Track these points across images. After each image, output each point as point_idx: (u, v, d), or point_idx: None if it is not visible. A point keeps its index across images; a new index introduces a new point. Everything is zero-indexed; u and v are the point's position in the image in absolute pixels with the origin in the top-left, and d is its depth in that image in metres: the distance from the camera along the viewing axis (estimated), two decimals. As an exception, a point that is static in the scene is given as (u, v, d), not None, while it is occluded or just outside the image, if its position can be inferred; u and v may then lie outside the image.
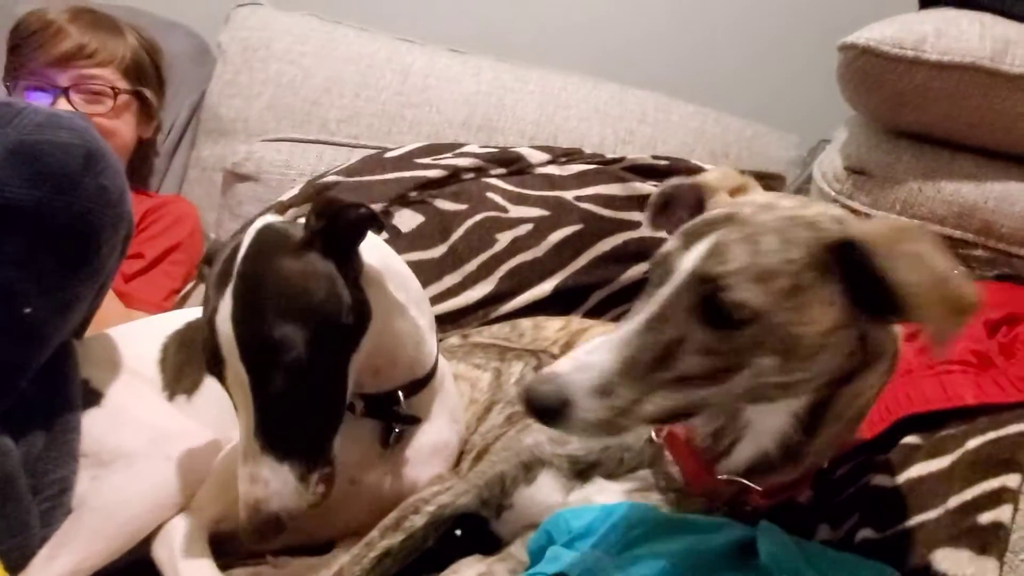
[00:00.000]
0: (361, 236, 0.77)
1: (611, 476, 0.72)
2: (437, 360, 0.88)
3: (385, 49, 1.59)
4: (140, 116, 1.44)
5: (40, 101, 1.32)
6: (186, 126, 1.64)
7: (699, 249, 0.56)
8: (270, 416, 0.69)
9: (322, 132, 1.51)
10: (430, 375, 0.87)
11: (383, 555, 0.74)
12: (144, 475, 0.84)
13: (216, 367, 0.72)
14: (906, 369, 0.77)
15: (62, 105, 1.31)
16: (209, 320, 0.71)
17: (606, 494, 0.70)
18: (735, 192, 0.65)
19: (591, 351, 0.56)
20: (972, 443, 0.66)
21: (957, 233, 1.02)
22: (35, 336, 0.82)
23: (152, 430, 0.88)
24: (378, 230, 0.77)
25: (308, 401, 0.71)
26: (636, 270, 1.37)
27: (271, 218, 0.78)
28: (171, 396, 0.97)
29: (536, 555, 0.70)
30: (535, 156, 1.39)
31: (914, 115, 1.03)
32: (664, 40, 1.85)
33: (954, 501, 0.62)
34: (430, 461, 0.89)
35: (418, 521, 0.76)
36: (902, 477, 0.68)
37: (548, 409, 0.54)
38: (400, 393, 0.84)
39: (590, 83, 1.60)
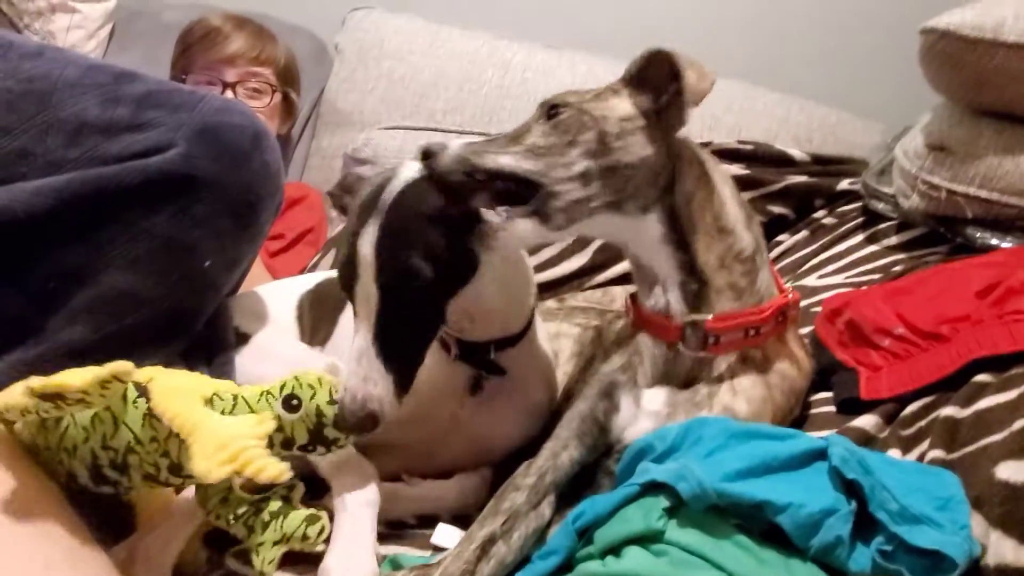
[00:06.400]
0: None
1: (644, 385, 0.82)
2: (532, 322, 0.95)
3: (486, 46, 1.72)
4: (283, 114, 1.63)
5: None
6: (307, 119, 1.81)
7: None
8: (388, 331, 0.77)
9: (429, 122, 1.65)
10: (522, 333, 0.93)
11: (485, 542, 0.72)
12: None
13: (349, 281, 0.80)
14: (977, 319, 0.84)
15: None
16: (352, 242, 0.79)
17: (649, 397, 0.81)
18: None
19: None
20: (1037, 378, 0.73)
21: (1036, 205, 1.05)
22: (211, 287, 0.96)
23: (294, 362, 1.02)
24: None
25: (417, 326, 0.80)
26: (721, 246, 1.45)
27: (418, 167, 0.83)
28: (310, 344, 1.13)
29: (623, 477, 0.75)
30: (627, 141, 1.49)
31: (995, 94, 1.07)
32: (751, 31, 1.90)
33: (1018, 424, 0.68)
34: (520, 417, 0.97)
35: (519, 498, 0.75)
36: (971, 408, 0.74)
37: None
38: (492, 346, 0.91)
39: (677, 74, 1.68)
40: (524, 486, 0.77)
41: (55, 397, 0.66)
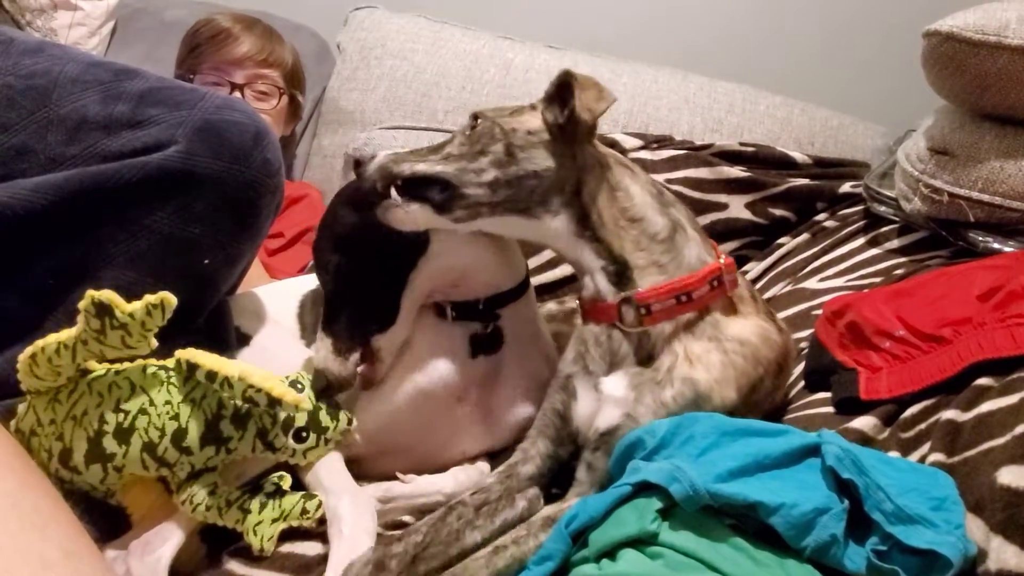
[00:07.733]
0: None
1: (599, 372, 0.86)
2: (526, 287, 0.98)
3: (488, 46, 1.71)
4: (288, 116, 1.63)
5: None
6: (309, 118, 1.81)
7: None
8: (330, 308, 0.92)
9: (431, 122, 1.64)
10: (514, 293, 0.96)
11: (448, 508, 0.82)
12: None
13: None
14: (979, 322, 0.84)
15: None
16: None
17: (610, 384, 0.84)
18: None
19: None
20: (1039, 382, 0.72)
21: (1038, 209, 1.05)
22: (210, 283, 0.96)
23: (295, 362, 1.02)
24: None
25: (352, 301, 0.91)
26: (722, 248, 1.45)
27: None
28: (308, 344, 1.12)
29: (614, 473, 0.75)
30: (628, 142, 1.48)
31: (997, 98, 1.07)
32: (754, 33, 1.90)
33: (1020, 428, 0.67)
34: (527, 393, 0.98)
35: (489, 478, 0.86)
36: (973, 412, 0.73)
37: None
38: (481, 300, 0.94)
39: (679, 76, 1.67)
40: (494, 473, 0.87)
41: (105, 313, 0.74)
